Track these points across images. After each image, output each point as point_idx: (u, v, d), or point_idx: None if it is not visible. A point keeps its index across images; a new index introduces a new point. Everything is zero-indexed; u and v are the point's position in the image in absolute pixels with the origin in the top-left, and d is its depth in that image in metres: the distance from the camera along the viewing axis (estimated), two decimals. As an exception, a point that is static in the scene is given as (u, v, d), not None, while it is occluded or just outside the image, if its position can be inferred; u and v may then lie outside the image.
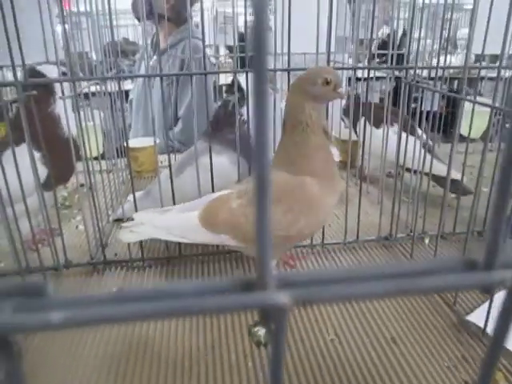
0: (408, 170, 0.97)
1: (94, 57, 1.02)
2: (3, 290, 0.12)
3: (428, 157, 0.82)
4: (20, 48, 0.65)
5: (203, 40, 0.82)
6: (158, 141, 0.88)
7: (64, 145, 0.76)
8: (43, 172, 0.78)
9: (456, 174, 0.89)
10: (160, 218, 0.74)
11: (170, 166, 0.79)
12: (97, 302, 0.12)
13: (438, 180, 1.02)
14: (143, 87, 1.74)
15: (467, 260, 0.14)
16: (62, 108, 0.77)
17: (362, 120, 0.95)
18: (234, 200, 0.69)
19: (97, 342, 0.63)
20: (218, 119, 0.90)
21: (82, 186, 0.88)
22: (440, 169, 0.94)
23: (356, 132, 1.15)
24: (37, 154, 0.76)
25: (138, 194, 0.84)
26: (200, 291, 0.13)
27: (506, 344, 0.53)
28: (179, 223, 0.72)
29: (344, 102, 1.12)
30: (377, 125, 1.04)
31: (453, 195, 1.02)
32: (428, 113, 0.87)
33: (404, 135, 0.82)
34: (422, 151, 0.82)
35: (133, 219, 0.78)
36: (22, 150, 0.68)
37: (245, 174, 0.85)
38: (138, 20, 1.67)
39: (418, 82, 0.76)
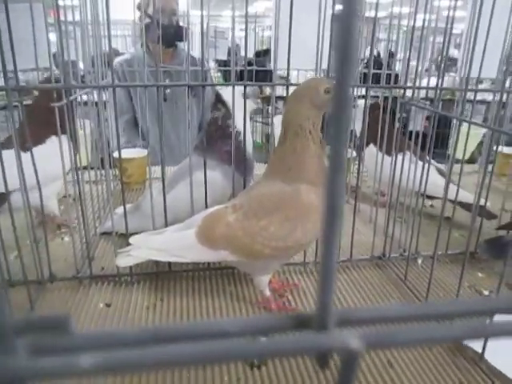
0: (428, 197, 0.93)
1: (82, 67, 1.01)
2: (17, 327, 0.10)
3: (453, 186, 0.77)
4: (13, 54, 0.64)
5: (202, 55, 0.82)
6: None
7: None
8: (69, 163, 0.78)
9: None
10: (156, 240, 0.71)
11: (163, 180, 0.77)
12: (129, 340, 0.10)
13: (463, 205, 0.99)
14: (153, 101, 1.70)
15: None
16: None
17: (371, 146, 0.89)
18: (229, 214, 0.67)
19: None
20: (210, 133, 0.88)
21: (64, 197, 0.85)
22: (466, 196, 0.94)
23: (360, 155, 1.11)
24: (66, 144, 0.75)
25: (126, 207, 0.81)
26: (249, 329, 0.11)
27: (506, 371, 0.52)
28: (176, 243, 0.69)
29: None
30: (389, 152, 0.90)
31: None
32: (418, 133, 0.86)
33: (420, 162, 0.80)
34: (443, 179, 0.77)
35: (122, 234, 0.74)
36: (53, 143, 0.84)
37: (239, 188, 0.83)
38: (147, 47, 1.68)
39: (417, 102, 0.76)
